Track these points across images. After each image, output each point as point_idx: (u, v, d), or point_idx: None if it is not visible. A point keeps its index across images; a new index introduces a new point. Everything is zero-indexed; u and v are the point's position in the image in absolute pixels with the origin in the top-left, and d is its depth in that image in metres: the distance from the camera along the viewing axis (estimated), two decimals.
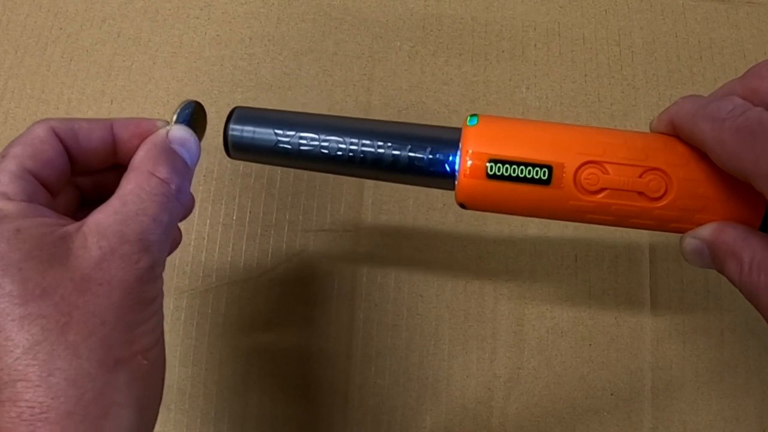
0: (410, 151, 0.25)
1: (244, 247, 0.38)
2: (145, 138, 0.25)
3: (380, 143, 0.25)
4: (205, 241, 0.38)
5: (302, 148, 0.26)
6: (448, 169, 0.25)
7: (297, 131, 0.26)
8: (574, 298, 0.36)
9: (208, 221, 0.39)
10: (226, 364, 0.37)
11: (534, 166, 0.23)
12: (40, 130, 0.24)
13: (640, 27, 0.40)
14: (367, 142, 0.25)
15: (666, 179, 0.23)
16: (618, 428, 0.34)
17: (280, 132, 0.26)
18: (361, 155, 0.25)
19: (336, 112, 0.39)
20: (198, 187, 0.39)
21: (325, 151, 0.26)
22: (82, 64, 0.42)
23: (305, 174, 0.38)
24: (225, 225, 0.39)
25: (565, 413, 0.35)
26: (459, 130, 0.25)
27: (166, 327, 0.37)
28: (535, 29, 0.40)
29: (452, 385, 0.35)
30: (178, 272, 0.38)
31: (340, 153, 0.26)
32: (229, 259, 0.38)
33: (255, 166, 0.39)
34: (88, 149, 0.25)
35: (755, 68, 0.24)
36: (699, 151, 0.23)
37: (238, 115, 0.27)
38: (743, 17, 0.40)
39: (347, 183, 0.38)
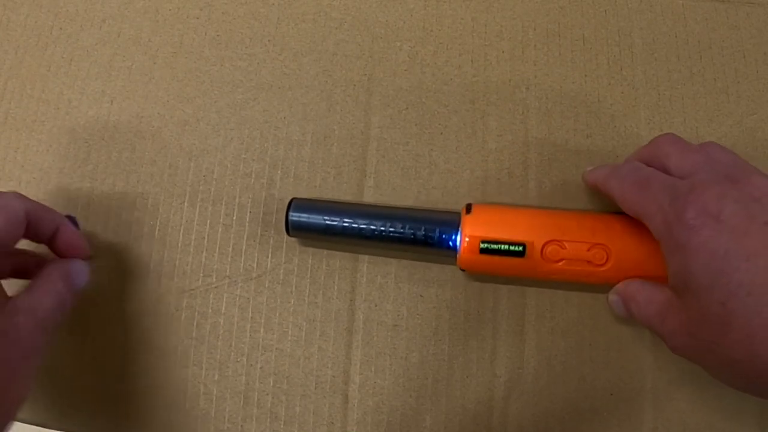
0: (424, 232, 0.34)
1: (244, 247, 0.38)
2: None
3: (401, 225, 0.34)
4: (205, 241, 0.38)
5: (345, 230, 0.35)
6: (452, 244, 0.33)
7: (341, 217, 0.35)
8: (574, 298, 0.36)
9: (208, 221, 0.39)
10: (226, 364, 0.37)
11: (512, 244, 0.32)
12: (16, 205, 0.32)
13: (640, 27, 0.40)
14: (390, 224, 0.34)
15: (607, 251, 0.31)
16: (618, 428, 0.34)
17: (327, 218, 0.35)
18: (389, 234, 0.34)
19: (336, 112, 0.39)
20: (198, 187, 0.39)
21: (362, 232, 0.35)
22: (82, 64, 0.42)
23: (305, 173, 0.39)
24: (225, 225, 0.39)
25: (565, 413, 0.35)
26: (459, 215, 0.34)
27: (167, 327, 0.37)
28: (535, 29, 0.40)
29: (452, 385, 0.35)
30: (178, 272, 0.38)
31: (372, 233, 0.34)
32: (229, 259, 0.38)
33: (254, 166, 0.39)
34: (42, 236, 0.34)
35: (655, 139, 0.32)
36: (631, 228, 0.31)
37: (296, 205, 0.36)
38: (743, 17, 0.39)
39: (347, 183, 0.38)
